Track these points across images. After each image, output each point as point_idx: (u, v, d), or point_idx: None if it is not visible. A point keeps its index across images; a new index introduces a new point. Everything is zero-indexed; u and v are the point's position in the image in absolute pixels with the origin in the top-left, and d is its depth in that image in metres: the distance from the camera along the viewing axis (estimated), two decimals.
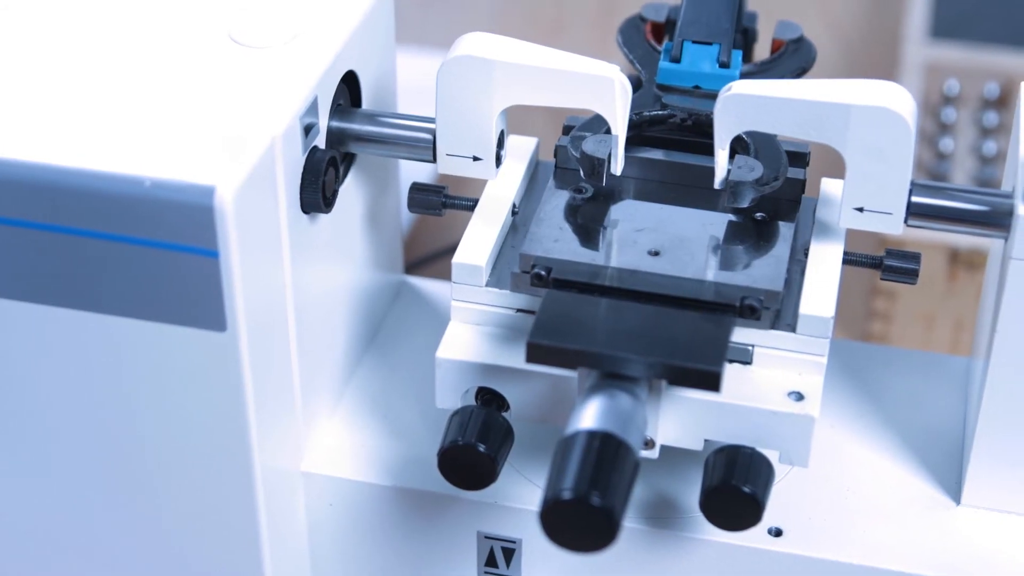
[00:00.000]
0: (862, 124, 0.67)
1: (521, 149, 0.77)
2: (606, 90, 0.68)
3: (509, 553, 0.75)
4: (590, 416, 0.63)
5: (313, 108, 0.70)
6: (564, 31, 1.51)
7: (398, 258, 0.86)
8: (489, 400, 0.70)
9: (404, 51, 1.20)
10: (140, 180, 0.64)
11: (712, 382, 0.64)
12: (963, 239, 1.06)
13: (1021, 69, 1.25)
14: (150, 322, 0.66)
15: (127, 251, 0.65)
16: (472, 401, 0.71)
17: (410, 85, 0.86)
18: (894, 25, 1.37)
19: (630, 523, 0.72)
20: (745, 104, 0.68)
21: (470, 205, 0.74)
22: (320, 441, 0.77)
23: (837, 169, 0.69)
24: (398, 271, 0.86)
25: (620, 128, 0.70)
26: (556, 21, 1.52)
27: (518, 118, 0.97)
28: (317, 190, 0.70)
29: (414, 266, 1.06)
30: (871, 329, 1.11)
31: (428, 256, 1.06)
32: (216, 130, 0.66)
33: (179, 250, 0.64)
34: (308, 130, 0.69)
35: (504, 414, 0.70)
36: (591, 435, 0.62)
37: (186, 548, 0.73)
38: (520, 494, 0.74)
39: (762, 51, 0.81)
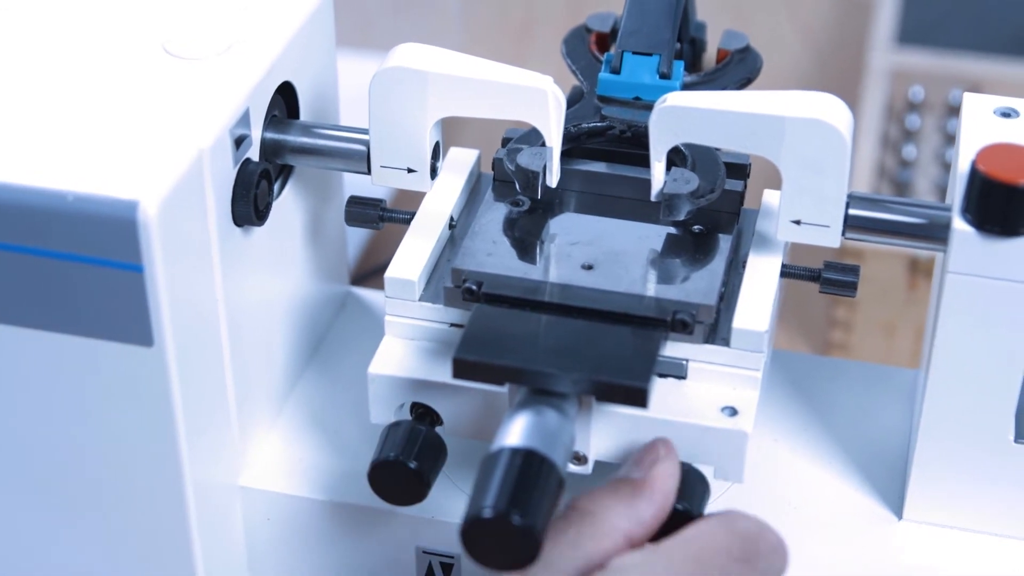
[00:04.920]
0: (797, 136, 0.66)
1: (461, 161, 0.76)
2: (539, 102, 0.68)
3: (448, 568, 0.74)
4: (514, 433, 0.62)
5: (245, 120, 0.69)
6: (533, 34, 1.50)
7: (343, 269, 0.85)
8: (423, 415, 0.70)
9: (376, 56, 1.20)
10: (63, 194, 0.63)
11: (639, 398, 0.63)
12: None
13: (986, 75, 1.25)
14: (76, 337, 0.66)
15: (51, 265, 0.64)
16: (407, 416, 0.70)
17: None
18: (862, 31, 1.37)
19: None
20: (680, 116, 0.67)
21: (408, 218, 0.74)
22: (258, 455, 0.76)
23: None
24: (343, 282, 0.85)
25: (555, 140, 0.69)
26: (525, 24, 1.52)
27: (481, 128, 0.97)
28: (249, 203, 0.69)
29: (371, 275, 1.06)
30: (832, 338, 1.11)
31: (384, 266, 1.05)
32: (143, 143, 0.65)
33: (103, 265, 0.64)
34: (239, 142, 0.69)
35: (438, 429, 0.70)
36: (514, 452, 0.61)
37: (118, 564, 0.72)
38: (458, 509, 0.73)
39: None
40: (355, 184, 0.80)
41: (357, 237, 1.11)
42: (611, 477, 0.64)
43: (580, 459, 0.68)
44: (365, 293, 0.87)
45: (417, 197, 0.74)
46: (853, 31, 1.42)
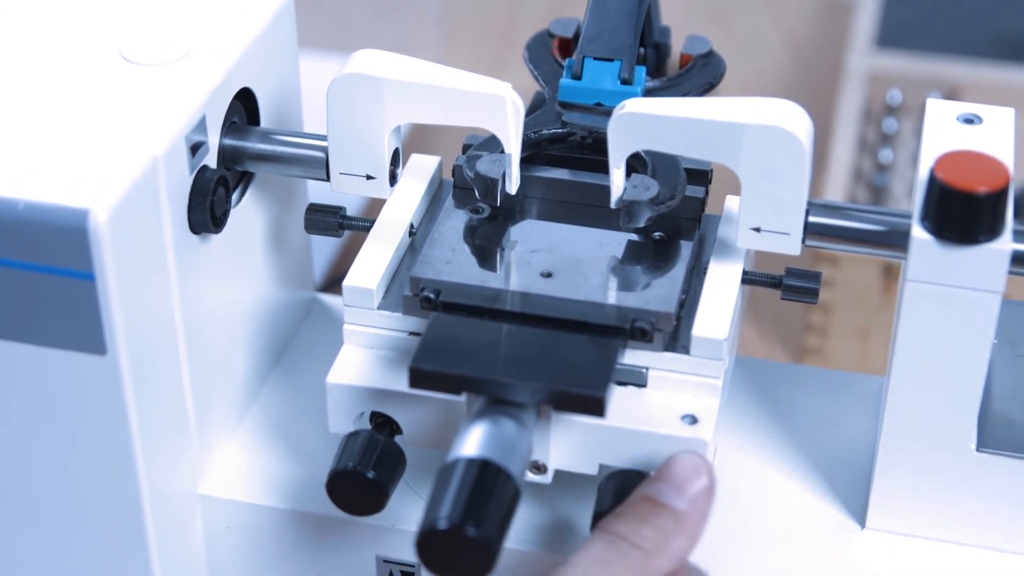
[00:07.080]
0: (756, 144, 0.66)
1: (422, 168, 0.76)
2: (497, 109, 0.67)
3: None
4: (471, 443, 0.62)
5: (201, 126, 0.68)
6: (514, 38, 1.50)
7: (307, 276, 0.85)
8: (382, 424, 0.69)
9: None
10: (14, 202, 0.62)
11: (596, 407, 0.63)
12: None
13: (965, 79, 1.24)
14: (29, 345, 0.65)
15: (2, 274, 0.63)
16: (367, 425, 0.69)
17: None
18: (842, 33, 1.36)
19: (526, 547, 0.71)
20: (639, 123, 0.67)
21: (368, 226, 0.73)
22: (219, 463, 0.75)
23: None
24: (308, 289, 0.85)
25: (513, 147, 0.69)
26: (507, 28, 1.52)
27: (454, 134, 0.96)
28: (205, 210, 0.68)
29: (341, 281, 1.05)
30: (807, 343, 1.10)
31: None
32: (96, 150, 0.65)
33: (55, 273, 0.63)
34: (195, 149, 0.68)
35: (398, 438, 0.69)
36: (470, 463, 0.61)
37: (75, 574, 0.72)
38: (419, 517, 0.72)
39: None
40: (319, 191, 0.80)
41: (329, 243, 1.10)
42: (646, 487, 0.63)
43: (539, 468, 0.67)
44: (331, 300, 0.86)
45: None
46: (833, 34, 1.42)
